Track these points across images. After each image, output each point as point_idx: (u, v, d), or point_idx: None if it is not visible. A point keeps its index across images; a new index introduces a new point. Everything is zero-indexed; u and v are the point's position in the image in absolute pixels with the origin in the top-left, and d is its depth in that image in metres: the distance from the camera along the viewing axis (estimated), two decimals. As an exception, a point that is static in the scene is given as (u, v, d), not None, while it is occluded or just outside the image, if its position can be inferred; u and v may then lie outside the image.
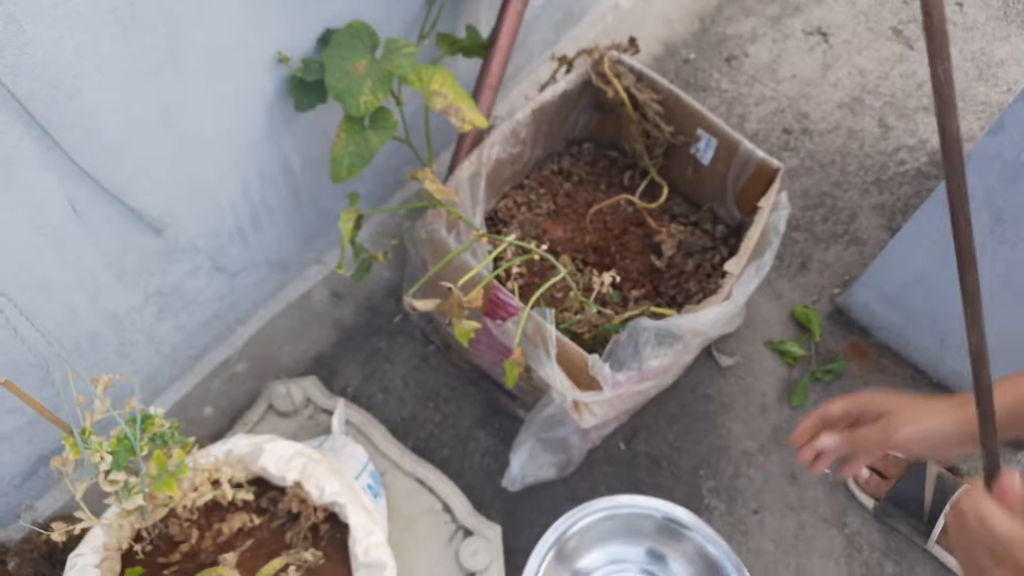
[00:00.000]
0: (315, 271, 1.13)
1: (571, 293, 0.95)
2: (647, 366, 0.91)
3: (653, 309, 1.02)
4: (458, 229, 0.97)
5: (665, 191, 1.17)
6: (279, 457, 0.85)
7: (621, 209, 1.21)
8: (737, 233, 1.20)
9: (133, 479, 0.69)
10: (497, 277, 1.06)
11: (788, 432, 1.15)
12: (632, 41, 1.15)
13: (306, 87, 0.85)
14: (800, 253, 1.33)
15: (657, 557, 1.02)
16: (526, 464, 1.00)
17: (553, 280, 0.90)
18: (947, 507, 1.00)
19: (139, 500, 0.69)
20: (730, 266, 0.99)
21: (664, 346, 0.90)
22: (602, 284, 0.94)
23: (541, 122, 1.12)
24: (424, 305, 0.89)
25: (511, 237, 0.90)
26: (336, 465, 0.87)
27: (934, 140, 1.46)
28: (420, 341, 1.17)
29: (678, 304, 1.12)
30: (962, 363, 1.14)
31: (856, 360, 1.22)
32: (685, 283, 1.15)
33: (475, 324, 0.87)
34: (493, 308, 0.95)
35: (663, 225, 1.19)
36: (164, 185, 0.80)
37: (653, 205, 1.17)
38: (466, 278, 0.86)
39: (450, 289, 0.85)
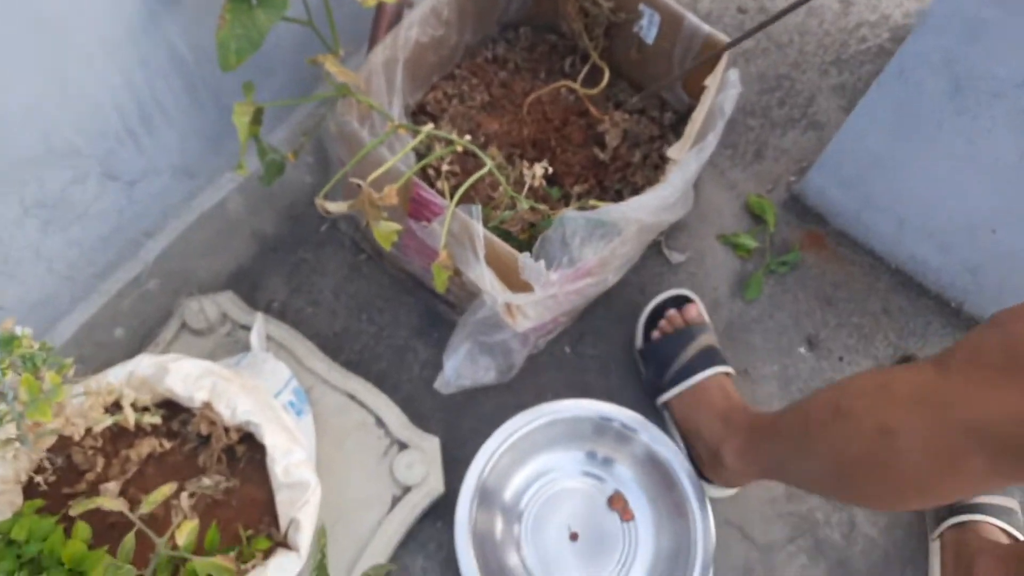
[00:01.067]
0: (228, 178, 1.04)
1: (502, 189, 0.87)
2: (580, 262, 0.84)
3: (592, 203, 0.95)
4: (372, 121, 0.88)
5: (607, 75, 1.08)
6: (186, 376, 0.78)
7: (561, 98, 1.12)
8: (686, 120, 1.12)
9: (3, 406, 0.62)
10: (427, 177, 0.98)
11: (741, 327, 1.11)
12: (565, -94, 1.04)
13: (180, -41, 0.74)
14: (755, 140, 1.25)
15: (602, 460, 0.98)
16: (462, 366, 0.95)
17: (479, 174, 0.82)
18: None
19: (12, 429, 0.62)
20: (672, 152, 0.92)
21: (596, 239, 0.83)
22: (533, 176, 0.86)
23: (466, 1, 1.01)
24: (336, 207, 0.81)
25: (429, 127, 0.82)
26: (250, 383, 0.81)
27: (897, 15, 1.37)
28: (350, 250, 1.10)
29: (623, 198, 1.05)
30: (921, 247, 1.09)
31: (812, 250, 1.17)
32: (632, 176, 1.08)
33: (395, 226, 0.80)
34: (417, 208, 0.88)
35: (606, 114, 1.10)
36: (23, 78, 0.70)
37: (594, 90, 1.08)
38: (378, 173, 0.78)
39: (359, 186, 0.77)
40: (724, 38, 0.99)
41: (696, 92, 1.07)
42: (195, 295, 0.97)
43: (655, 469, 0.96)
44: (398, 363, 1.04)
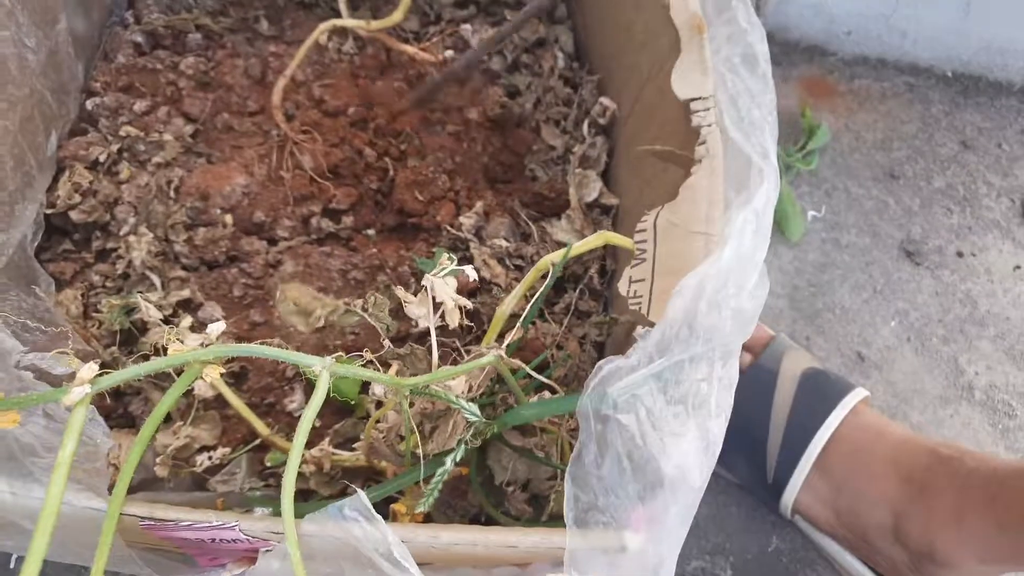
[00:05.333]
0: None
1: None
2: (666, 460, 0.32)
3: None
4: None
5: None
6: None
7: (330, 57, 0.54)
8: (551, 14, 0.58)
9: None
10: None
11: (811, 290, 0.64)
12: None
13: None
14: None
15: None
16: None
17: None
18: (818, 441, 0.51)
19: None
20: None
21: (679, 406, 0.31)
22: (437, 306, 0.31)
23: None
24: None
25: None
26: None
27: None
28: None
29: (548, 212, 0.51)
30: (997, 26, 0.66)
31: (824, 106, 0.70)
32: (542, 148, 0.54)
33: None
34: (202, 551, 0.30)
35: (434, 46, 0.54)
36: None
37: (393, 19, 0.50)
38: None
39: None
40: None
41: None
42: None
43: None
44: None
